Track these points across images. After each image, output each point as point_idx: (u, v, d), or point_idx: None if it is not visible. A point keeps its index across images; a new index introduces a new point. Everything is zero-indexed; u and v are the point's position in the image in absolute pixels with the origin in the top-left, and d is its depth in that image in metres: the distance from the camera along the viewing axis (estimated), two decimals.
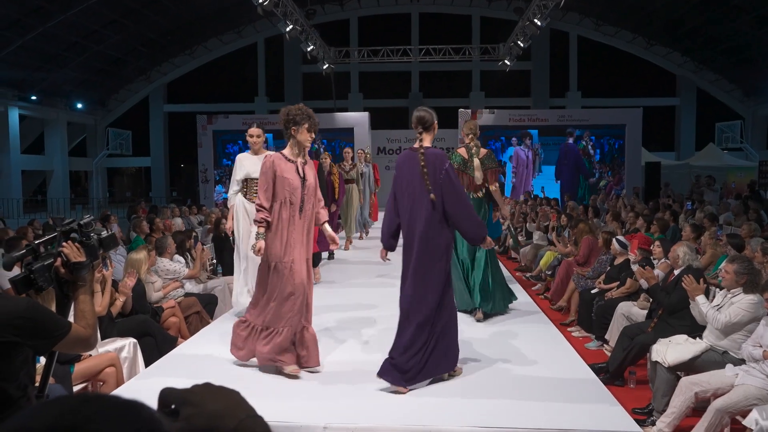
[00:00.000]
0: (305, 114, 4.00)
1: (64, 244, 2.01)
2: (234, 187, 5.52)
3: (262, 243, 3.95)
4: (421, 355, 3.66)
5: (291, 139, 4.06)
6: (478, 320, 5.31)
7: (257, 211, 4.00)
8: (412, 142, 20.21)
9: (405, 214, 3.82)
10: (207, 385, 0.78)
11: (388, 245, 4.02)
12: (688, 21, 19.42)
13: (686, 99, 23.05)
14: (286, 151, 4.09)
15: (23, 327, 1.82)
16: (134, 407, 0.60)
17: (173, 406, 0.73)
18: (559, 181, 18.04)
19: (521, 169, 18.14)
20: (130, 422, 0.58)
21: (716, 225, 7.91)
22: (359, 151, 10.77)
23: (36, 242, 2.05)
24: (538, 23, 14.91)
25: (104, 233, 2.18)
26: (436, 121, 3.89)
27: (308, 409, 3.48)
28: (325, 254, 8.25)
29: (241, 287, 5.46)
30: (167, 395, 0.75)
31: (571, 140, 17.96)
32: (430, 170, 3.71)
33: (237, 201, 5.45)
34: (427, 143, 3.85)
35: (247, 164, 5.44)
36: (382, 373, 3.68)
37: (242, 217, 5.42)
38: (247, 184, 5.44)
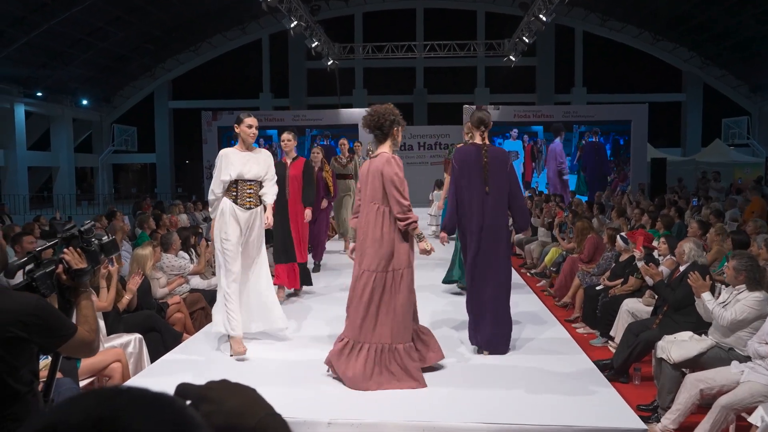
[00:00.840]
0: (400, 114, 4.02)
1: (65, 250, 2.02)
2: (218, 190, 4.44)
3: (429, 243, 3.89)
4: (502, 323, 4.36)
5: (391, 140, 3.96)
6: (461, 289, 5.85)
7: (409, 210, 3.77)
8: (416, 138, 20.16)
9: (467, 203, 4.23)
10: (224, 382, 0.77)
11: (452, 230, 4.52)
12: (694, 16, 19.30)
13: (692, 95, 22.92)
14: (389, 151, 3.93)
15: (31, 324, 1.84)
16: (166, 398, 0.61)
17: (189, 403, 0.73)
18: (579, 175, 17.82)
19: (565, 166, 17.94)
20: (162, 412, 0.58)
21: (722, 221, 7.87)
22: (356, 144, 9.62)
23: (37, 249, 2.06)
24: (544, 19, 14.83)
25: (105, 239, 2.19)
26: (491, 121, 4.47)
27: (313, 404, 3.49)
28: (310, 264, 7.36)
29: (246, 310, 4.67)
30: (184, 391, 0.74)
31: (594, 138, 17.76)
32: (491, 165, 4.22)
33: (226, 207, 4.41)
34: (486, 140, 4.35)
35: (237, 162, 4.43)
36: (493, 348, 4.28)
37: (232, 228, 4.40)
38: (238, 186, 4.45)
